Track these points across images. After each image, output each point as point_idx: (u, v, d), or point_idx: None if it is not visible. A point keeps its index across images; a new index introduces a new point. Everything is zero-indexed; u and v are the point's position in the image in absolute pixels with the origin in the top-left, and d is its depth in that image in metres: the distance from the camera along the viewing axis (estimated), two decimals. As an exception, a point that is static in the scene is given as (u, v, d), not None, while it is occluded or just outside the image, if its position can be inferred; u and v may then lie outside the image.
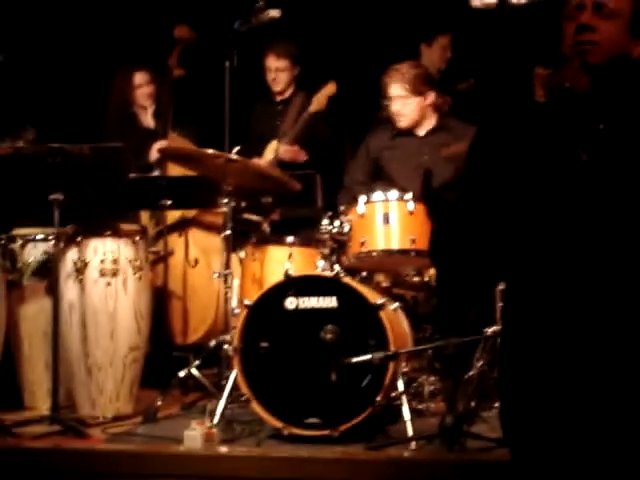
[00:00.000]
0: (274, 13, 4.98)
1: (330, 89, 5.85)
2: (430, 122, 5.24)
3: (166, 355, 5.53)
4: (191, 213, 5.88)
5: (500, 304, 4.40)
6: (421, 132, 5.24)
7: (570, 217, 2.31)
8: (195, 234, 5.87)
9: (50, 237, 4.59)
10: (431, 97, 5.19)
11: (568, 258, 2.30)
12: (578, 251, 2.29)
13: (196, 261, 5.77)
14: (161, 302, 5.47)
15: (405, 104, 5.14)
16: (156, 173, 5.84)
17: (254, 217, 5.44)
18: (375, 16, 6.80)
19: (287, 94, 6.28)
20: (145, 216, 5.91)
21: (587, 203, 2.30)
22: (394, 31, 6.72)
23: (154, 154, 5.84)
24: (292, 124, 6.02)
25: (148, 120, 6.16)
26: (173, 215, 5.78)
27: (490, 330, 4.39)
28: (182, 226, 5.87)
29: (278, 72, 6.19)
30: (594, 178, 2.31)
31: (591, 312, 2.27)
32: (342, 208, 4.60)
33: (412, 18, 6.69)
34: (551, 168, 2.35)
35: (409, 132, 5.25)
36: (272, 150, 5.99)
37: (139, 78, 6.12)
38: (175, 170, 5.52)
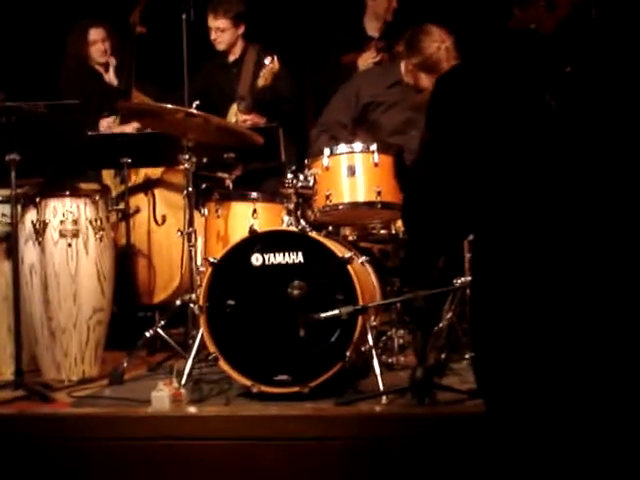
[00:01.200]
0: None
1: (272, 67, 5.69)
2: None
3: (131, 315, 5.46)
4: (157, 173, 5.79)
5: (469, 255, 4.36)
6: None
7: (540, 165, 2.25)
8: (162, 192, 5.79)
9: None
10: None
11: (539, 208, 2.25)
12: (549, 201, 2.24)
13: (163, 218, 5.69)
14: (126, 262, 5.38)
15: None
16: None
17: (217, 173, 5.34)
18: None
19: (238, 53, 6.14)
20: (110, 174, 5.81)
21: (557, 151, 2.24)
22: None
23: (104, 125, 5.77)
24: (248, 86, 5.93)
25: (110, 77, 6.07)
26: (139, 174, 5.69)
27: (459, 281, 4.36)
28: (148, 185, 5.78)
29: (218, 32, 6.03)
30: (564, 126, 2.24)
31: (563, 261, 2.22)
32: (306, 161, 4.51)
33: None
34: (518, 116, 2.28)
35: (406, 84, 5.08)
36: (234, 114, 5.91)
37: (94, 34, 6.04)
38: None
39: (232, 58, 6.15)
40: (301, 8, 6.71)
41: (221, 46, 6.08)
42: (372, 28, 6.34)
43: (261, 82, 5.72)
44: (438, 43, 4.85)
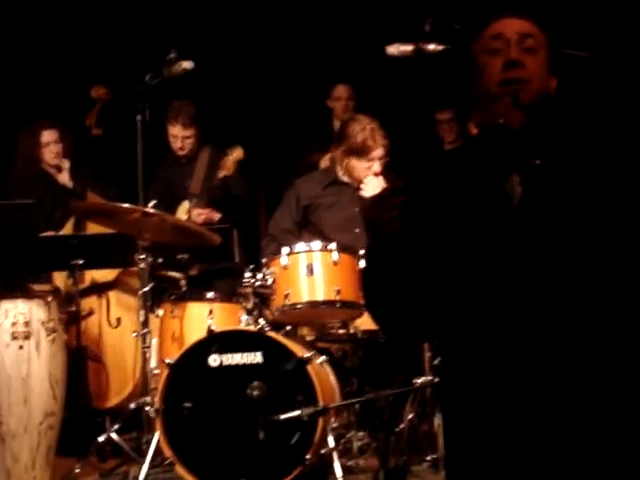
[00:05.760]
0: (187, 65, 4.83)
1: (237, 154, 5.71)
2: None
3: (81, 420, 5.31)
4: (111, 276, 5.70)
5: (428, 354, 4.31)
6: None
7: (506, 262, 2.22)
8: (117, 294, 5.69)
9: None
10: None
11: (508, 307, 2.21)
12: (517, 298, 2.21)
13: (118, 321, 5.58)
14: (78, 364, 5.25)
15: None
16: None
17: (172, 273, 5.27)
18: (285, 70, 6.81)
19: (192, 152, 6.13)
20: (62, 275, 5.71)
21: (521, 249, 2.22)
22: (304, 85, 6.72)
23: None
24: (201, 184, 5.91)
25: (64, 179, 6.00)
26: (92, 275, 5.61)
27: (419, 381, 4.30)
28: (102, 287, 5.68)
29: (185, 139, 6.01)
30: (528, 219, 2.23)
31: (534, 360, 2.18)
32: (264, 260, 4.47)
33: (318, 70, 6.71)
34: (482, 214, 2.27)
35: (342, 182, 5.14)
36: (184, 211, 5.86)
37: (47, 136, 5.99)
38: (94, 229, 5.36)
39: (186, 155, 6.12)
40: (263, 108, 6.78)
41: (186, 151, 6.05)
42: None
43: (222, 172, 5.71)
44: (364, 124, 4.94)
